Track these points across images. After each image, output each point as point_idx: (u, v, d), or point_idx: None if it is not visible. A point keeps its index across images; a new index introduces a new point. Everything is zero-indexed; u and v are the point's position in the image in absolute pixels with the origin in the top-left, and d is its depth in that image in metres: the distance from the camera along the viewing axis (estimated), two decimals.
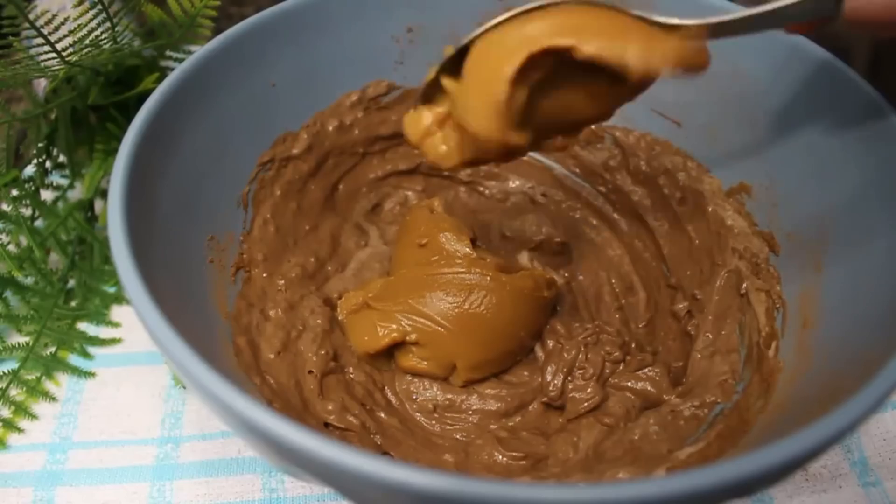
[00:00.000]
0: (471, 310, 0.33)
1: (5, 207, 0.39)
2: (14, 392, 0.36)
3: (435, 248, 0.35)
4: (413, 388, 0.35)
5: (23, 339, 0.38)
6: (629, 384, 0.34)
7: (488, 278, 0.34)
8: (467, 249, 0.35)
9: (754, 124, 0.34)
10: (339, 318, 0.36)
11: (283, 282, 0.35)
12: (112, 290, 0.41)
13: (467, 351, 0.34)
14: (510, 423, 0.34)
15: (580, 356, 0.34)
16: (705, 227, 0.37)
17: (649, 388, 0.33)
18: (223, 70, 0.32)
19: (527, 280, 0.34)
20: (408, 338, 0.34)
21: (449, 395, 0.34)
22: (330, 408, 0.31)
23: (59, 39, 0.36)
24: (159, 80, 0.38)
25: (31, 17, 0.35)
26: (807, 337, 0.30)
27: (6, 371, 0.37)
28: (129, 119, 0.30)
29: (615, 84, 0.25)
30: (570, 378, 0.34)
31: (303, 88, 0.36)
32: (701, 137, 0.37)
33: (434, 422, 0.34)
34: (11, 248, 0.39)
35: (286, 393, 0.31)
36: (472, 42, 0.27)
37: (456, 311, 0.34)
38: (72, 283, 0.41)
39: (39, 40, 0.36)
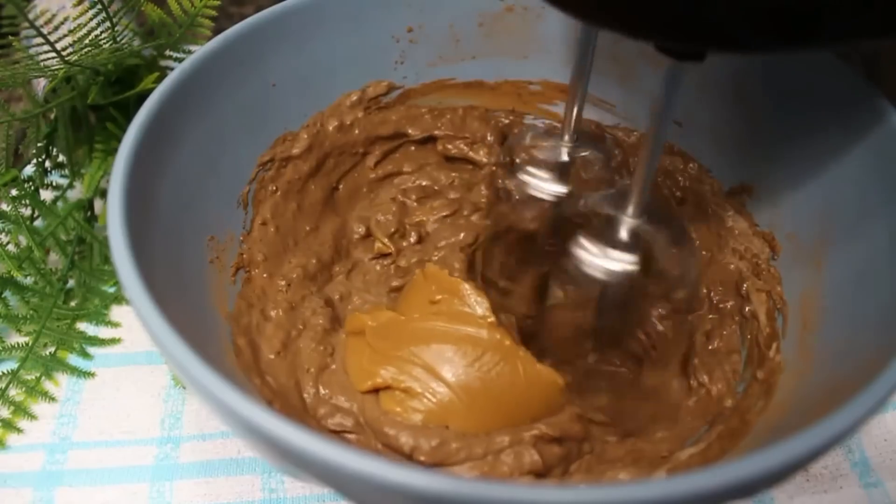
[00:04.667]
0: (479, 372, 0.30)
1: (4, 207, 0.38)
2: (13, 392, 0.36)
3: (450, 304, 0.33)
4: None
5: (22, 340, 0.38)
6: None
7: (507, 343, 0.31)
8: (487, 312, 0.32)
9: (754, 124, 0.34)
10: (342, 336, 0.35)
11: (283, 282, 0.35)
12: (112, 289, 0.41)
13: (463, 416, 0.31)
14: None
15: None
16: (705, 228, 0.37)
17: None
18: (223, 70, 0.32)
19: (541, 371, 0.31)
20: (396, 385, 0.31)
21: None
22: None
23: (59, 39, 0.36)
24: (159, 80, 0.38)
25: (31, 16, 0.35)
26: (808, 337, 0.29)
27: (5, 371, 0.37)
28: (129, 119, 0.29)
29: None
30: None
31: (303, 88, 0.36)
32: (701, 137, 0.37)
33: None
34: (11, 247, 0.39)
35: (286, 393, 0.31)
36: None
37: (462, 369, 0.30)
38: (71, 282, 0.41)
39: (39, 40, 0.36)
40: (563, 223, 0.31)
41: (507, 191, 0.35)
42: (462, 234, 0.39)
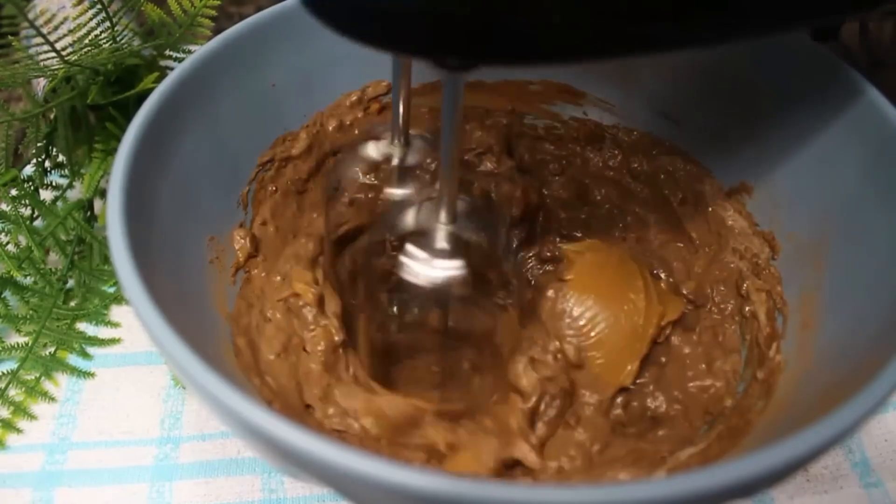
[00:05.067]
0: None
1: (4, 207, 0.38)
2: (13, 392, 0.36)
3: None
4: None
5: (22, 340, 0.38)
6: None
7: None
8: None
9: (754, 124, 0.34)
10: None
11: (279, 278, 0.35)
12: (111, 290, 0.41)
13: None
14: None
15: None
16: (706, 228, 0.37)
17: None
18: (223, 70, 0.32)
19: None
20: None
21: None
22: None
23: (59, 39, 0.36)
24: (159, 80, 0.38)
25: (31, 16, 0.35)
26: (808, 337, 0.29)
27: (5, 371, 0.37)
28: (129, 119, 0.29)
29: None
30: None
31: (303, 88, 0.36)
32: (701, 137, 0.37)
33: None
34: (10, 247, 0.39)
35: (286, 394, 0.31)
36: None
37: None
38: (71, 283, 0.41)
39: (38, 39, 0.36)
40: (397, 230, 0.31)
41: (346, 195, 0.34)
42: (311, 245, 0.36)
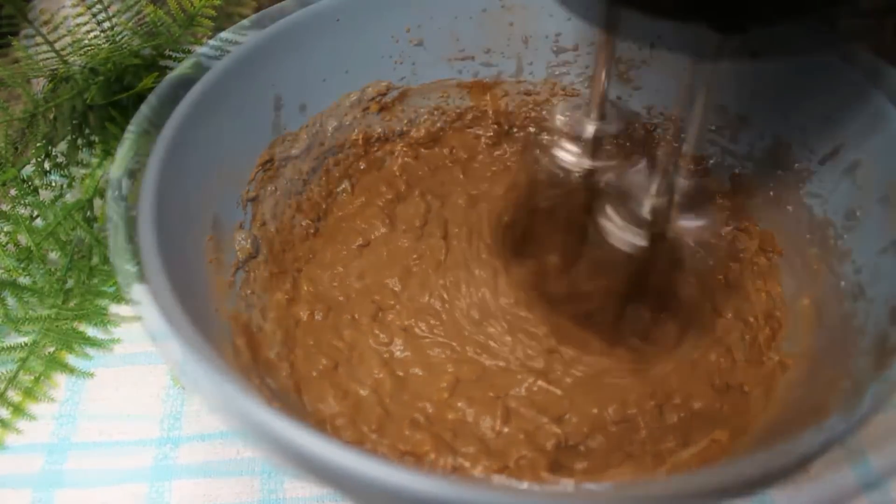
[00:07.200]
0: None
1: (4, 207, 0.38)
2: (12, 393, 0.36)
3: None
4: None
5: (22, 340, 0.38)
6: None
7: None
8: None
9: (754, 125, 0.34)
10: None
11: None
12: (111, 290, 0.41)
13: None
14: None
15: None
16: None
17: None
18: (228, 81, 0.32)
19: None
20: None
21: None
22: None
23: (59, 39, 0.36)
24: (158, 80, 0.38)
25: (31, 16, 0.35)
26: (807, 337, 0.29)
27: (4, 372, 0.37)
28: (129, 119, 0.29)
29: None
30: None
31: (303, 89, 0.36)
32: (701, 137, 0.37)
33: None
34: (10, 247, 0.39)
35: (286, 393, 0.31)
36: None
37: None
38: (71, 283, 0.41)
39: (38, 39, 0.36)
40: (590, 196, 0.32)
41: (537, 163, 0.35)
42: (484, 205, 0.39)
